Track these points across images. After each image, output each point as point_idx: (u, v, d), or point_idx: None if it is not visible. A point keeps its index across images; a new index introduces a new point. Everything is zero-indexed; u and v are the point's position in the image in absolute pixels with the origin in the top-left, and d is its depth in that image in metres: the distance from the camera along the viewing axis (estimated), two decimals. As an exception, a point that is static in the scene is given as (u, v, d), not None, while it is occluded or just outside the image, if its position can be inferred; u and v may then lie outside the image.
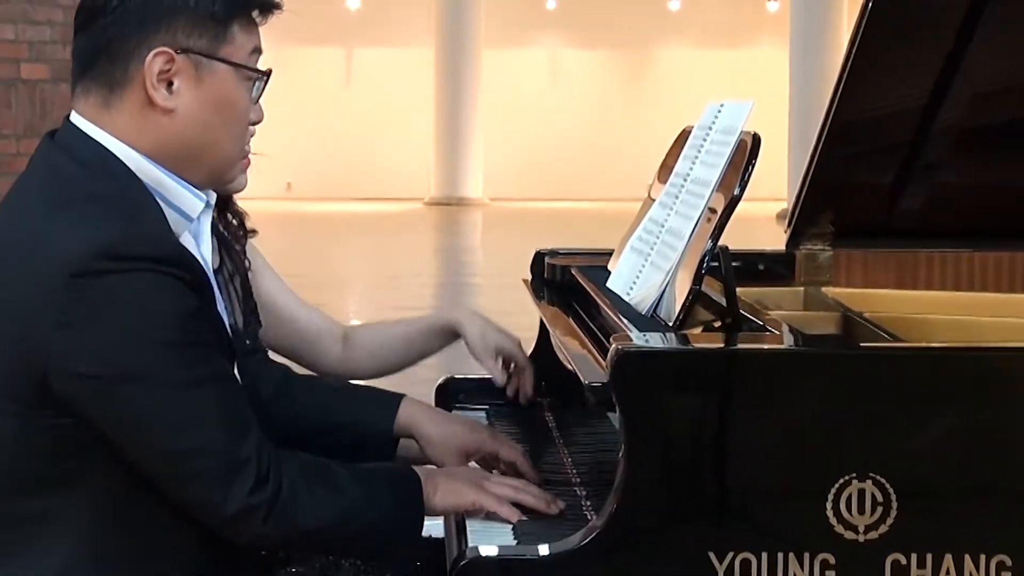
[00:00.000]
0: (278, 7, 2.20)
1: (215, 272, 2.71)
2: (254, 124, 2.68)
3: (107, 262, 1.96)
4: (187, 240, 2.15)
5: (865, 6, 2.79)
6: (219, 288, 2.72)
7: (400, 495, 2.23)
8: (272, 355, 2.89)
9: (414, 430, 2.55)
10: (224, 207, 2.85)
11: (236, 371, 2.20)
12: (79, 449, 2.03)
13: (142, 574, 2.08)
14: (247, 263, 2.89)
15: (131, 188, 2.09)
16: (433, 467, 2.46)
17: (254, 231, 2.94)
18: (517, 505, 2.28)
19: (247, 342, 2.75)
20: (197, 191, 2.15)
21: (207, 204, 2.18)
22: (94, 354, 1.97)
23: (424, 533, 2.42)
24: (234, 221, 2.89)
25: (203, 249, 2.20)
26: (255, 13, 2.16)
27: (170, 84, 2.09)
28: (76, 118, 2.13)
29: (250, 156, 2.71)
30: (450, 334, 3.03)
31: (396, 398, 2.58)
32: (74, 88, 2.15)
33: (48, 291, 1.97)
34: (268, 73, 2.20)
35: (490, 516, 2.26)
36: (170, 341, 2.00)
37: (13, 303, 2.01)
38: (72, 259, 1.96)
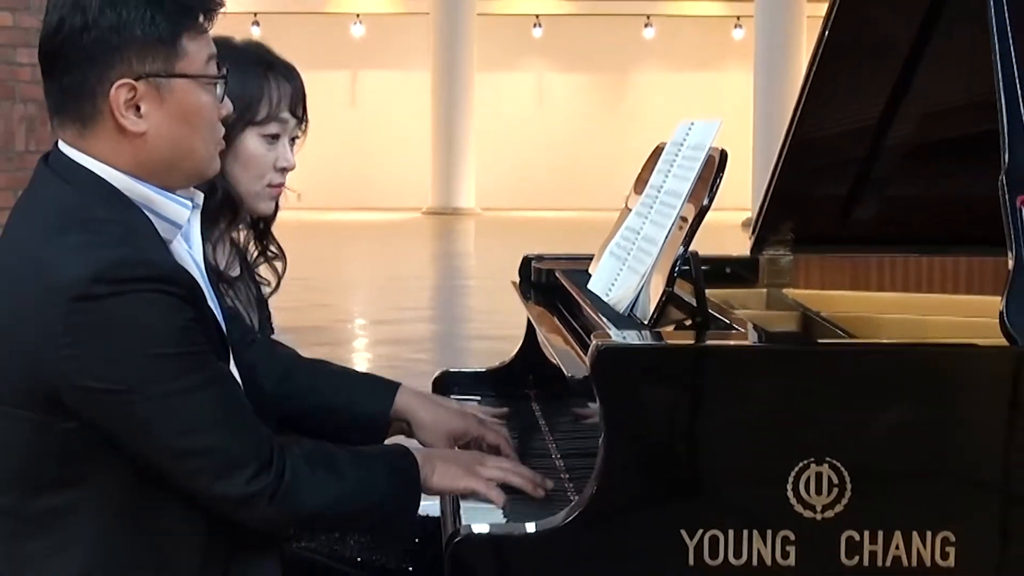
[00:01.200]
0: (220, 5, 2.14)
1: (221, 274, 2.69)
2: (285, 170, 2.70)
3: (104, 286, 1.93)
4: (179, 244, 2.13)
5: (822, 34, 2.80)
6: (231, 288, 2.71)
7: (398, 476, 2.22)
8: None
9: (408, 415, 2.53)
10: (263, 235, 2.83)
11: (234, 364, 2.18)
12: (90, 450, 2.01)
13: (154, 561, 2.07)
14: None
15: (119, 210, 2.05)
16: (432, 449, 2.44)
17: (279, 269, 2.89)
18: (508, 486, 2.28)
19: (253, 336, 2.70)
20: (181, 199, 2.11)
21: (194, 206, 2.15)
22: (98, 370, 1.95)
23: (422, 512, 2.42)
24: (271, 248, 2.85)
25: (194, 250, 2.18)
26: (200, 19, 2.10)
27: (137, 108, 2.05)
28: (63, 146, 2.10)
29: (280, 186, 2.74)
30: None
31: (394, 385, 2.57)
32: (52, 123, 2.12)
33: (52, 314, 1.95)
34: (225, 76, 2.15)
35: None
36: (168, 353, 1.97)
37: (19, 323, 1.99)
38: (72, 284, 1.93)
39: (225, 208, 2.67)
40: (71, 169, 2.07)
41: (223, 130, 2.19)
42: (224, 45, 2.62)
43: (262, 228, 2.81)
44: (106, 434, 1.99)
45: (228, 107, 2.18)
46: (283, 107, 2.68)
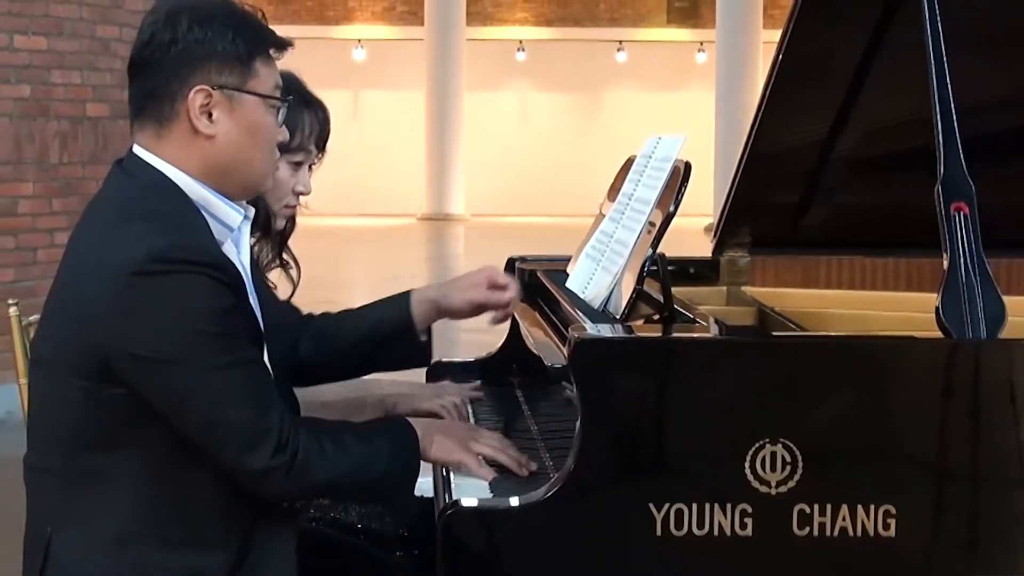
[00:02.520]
0: (290, 44, 2.21)
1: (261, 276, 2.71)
2: (301, 194, 2.72)
3: (159, 264, 1.98)
4: (229, 247, 2.16)
5: (776, 59, 2.80)
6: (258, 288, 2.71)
7: (400, 448, 2.23)
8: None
9: (436, 303, 2.56)
10: (281, 247, 2.83)
11: (266, 356, 2.19)
12: (133, 417, 2.04)
13: (181, 524, 2.08)
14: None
15: (180, 206, 2.10)
16: (431, 421, 2.45)
17: (294, 277, 2.88)
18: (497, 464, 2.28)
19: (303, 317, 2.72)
20: (236, 205, 2.16)
21: (245, 216, 2.19)
22: (146, 339, 1.99)
23: (417, 492, 2.41)
24: (287, 258, 2.85)
25: (242, 256, 2.20)
26: (272, 51, 2.17)
27: (210, 115, 2.10)
28: (137, 148, 2.14)
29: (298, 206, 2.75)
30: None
31: (404, 299, 2.58)
32: (132, 125, 2.16)
33: (112, 288, 1.99)
34: (288, 100, 2.21)
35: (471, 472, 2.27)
36: (208, 331, 2.00)
37: (84, 299, 2.03)
38: (131, 262, 1.98)
39: (259, 224, 2.69)
40: (141, 168, 2.13)
41: (278, 154, 2.25)
42: (293, 80, 2.64)
43: (280, 240, 2.81)
44: (147, 402, 2.02)
45: (284, 134, 2.24)
46: (311, 139, 2.71)
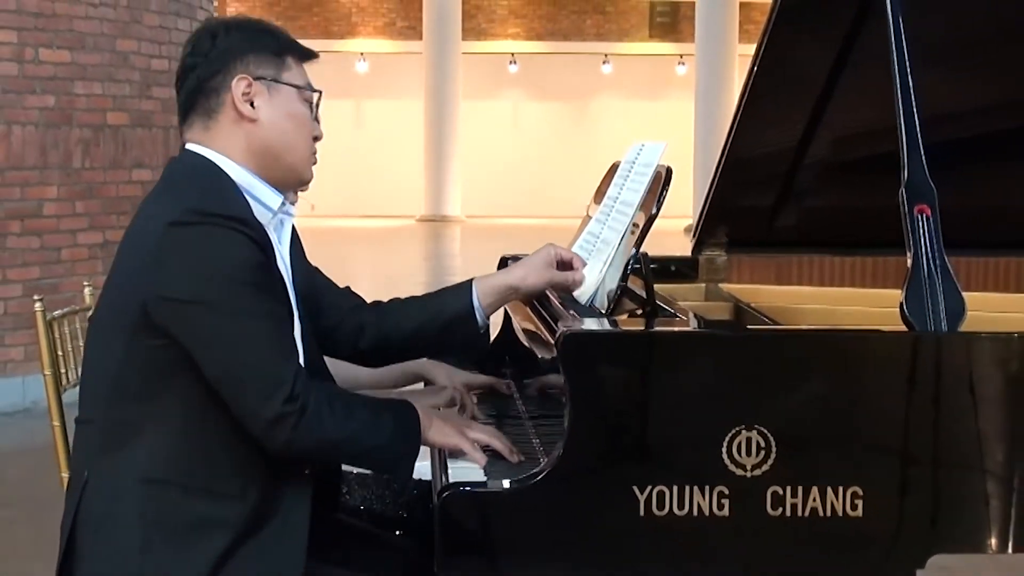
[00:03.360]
0: (315, 55, 2.34)
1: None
2: (316, 140, 2.71)
3: (194, 216, 2.06)
4: (271, 233, 2.22)
5: (751, 71, 2.80)
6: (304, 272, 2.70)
7: (403, 423, 2.24)
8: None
9: (514, 287, 2.46)
10: None
11: (297, 330, 2.23)
12: (168, 367, 2.09)
13: (203, 471, 2.12)
14: None
15: (225, 184, 2.18)
16: (431, 409, 2.45)
17: None
18: (489, 450, 2.28)
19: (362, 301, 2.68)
20: (275, 190, 2.24)
21: (284, 201, 2.26)
22: (177, 282, 2.05)
23: (416, 475, 2.41)
24: None
25: (283, 245, 2.28)
26: (299, 54, 2.28)
27: (252, 103, 2.20)
28: (188, 145, 2.23)
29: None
30: (417, 377, 2.85)
31: (467, 283, 2.49)
32: (182, 127, 2.25)
33: (152, 239, 2.07)
34: (320, 92, 2.31)
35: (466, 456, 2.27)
36: (236, 279, 2.06)
37: (130, 256, 2.13)
38: (170, 215, 2.07)
39: None
40: (192, 158, 2.22)
41: (315, 148, 2.32)
42: None
43: None
44: (181, 355, 2.07)
45: (320, 130, 2.32)
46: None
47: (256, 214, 2.17)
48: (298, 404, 2.06)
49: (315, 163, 2.75)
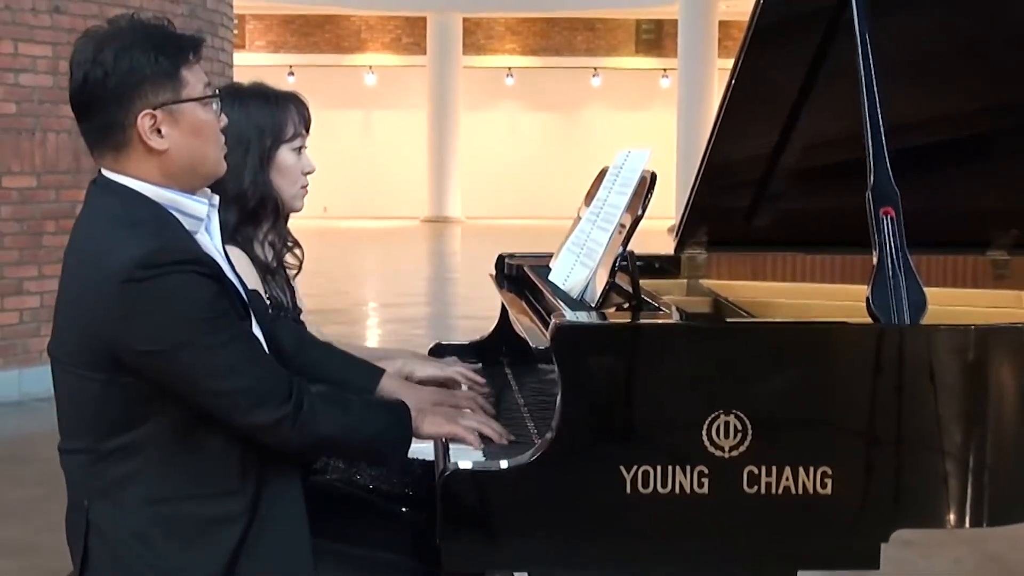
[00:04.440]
0: (203, 40, 2.16)
1: (267, 266, 2.68)
2: (307, 174, 2.70)
3: (145, 271, 1.94)
4: (203, 235, 2.13)
5: (729, 84, 2.80)
6: (273, 276, 2.69)
7: (394, 418, 2.22)
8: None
9: (389, 394, 2.44)
10: (283, 230, 2.79)
11: (259, 330, 2.18)
12: (147, 397, 2.02)
13: (202, 480, 2.08)
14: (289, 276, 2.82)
15: (154, 211, 2.06)
16: (423, 403, 2.38)
17: (299, 256, 2.82)
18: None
19: (273, 314, 2.67)
20: (199, 199, 2.12)
21: (211, 204, 2.15)
22: (148, 336, 1.96)
23: (421, 456, 2.41)
24: (289, 243, 2.81)
25: (214, 240, 2.17)
26: (191, 56, 2.09)
27: (159, 132, 2.05)
28: (104, 171, 2.10)
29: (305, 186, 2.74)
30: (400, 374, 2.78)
31: (379, 371, 2.51)
32: (93, 154, 2.11)
33: (107, 295, 1.96)
34: (218, 94, 2.15)
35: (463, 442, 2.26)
36: (203, 317, 1.98)
37: (85, 305, 2.01)
38: (121, 270, 1.95)
39: (270, 211, 2.68)
40: (113, 187, 2.08)
41: (223, 138, 2.17)
42: (260, 86, 2.68)
43: (283, 226, 2.78)
44: (161, 387, 2.00)
45: (224, 120, 2.17)
46: (301, 125, 2.71)
47: (188, 226, 2.08)
48: (291, 405, 2.04)
49: (305, 195, 2.74)
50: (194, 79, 2.08)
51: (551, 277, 2.69)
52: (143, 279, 1.94)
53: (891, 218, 2.26)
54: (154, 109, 2.03)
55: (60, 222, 6.96)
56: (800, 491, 2.10)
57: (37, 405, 6.71)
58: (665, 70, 24.50)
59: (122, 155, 2.06)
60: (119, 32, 2.05)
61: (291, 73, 22.67)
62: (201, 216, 2.11)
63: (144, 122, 2.03)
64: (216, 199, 2.18)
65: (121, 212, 2.05)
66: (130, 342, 1.97)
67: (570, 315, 2.23)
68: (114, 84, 2.01)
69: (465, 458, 2.15)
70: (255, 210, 2.63)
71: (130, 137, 2.05)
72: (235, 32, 9.54)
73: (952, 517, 2.16)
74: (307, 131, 2.73)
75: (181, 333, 1.97)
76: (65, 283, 2.09)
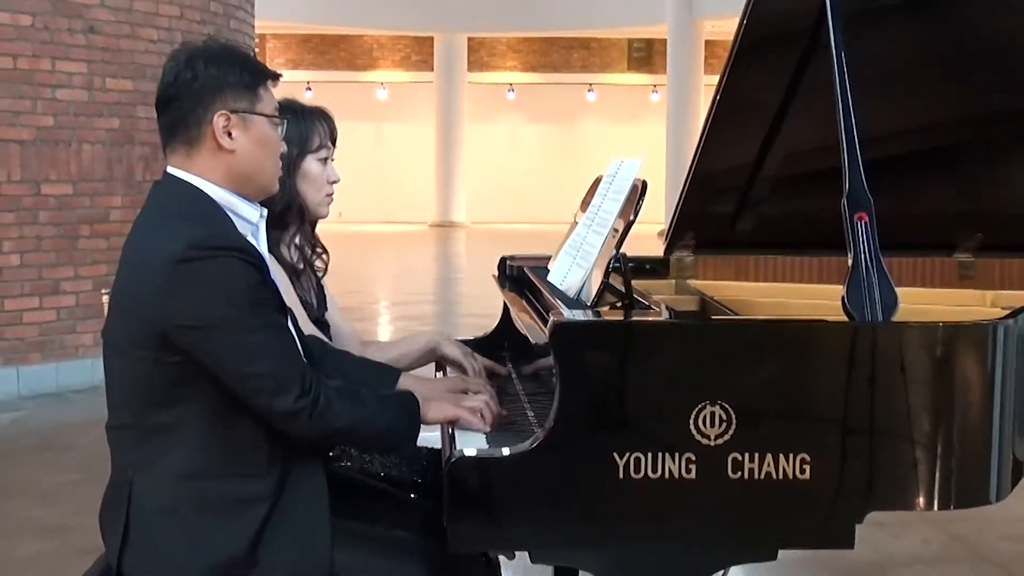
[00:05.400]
0: (279, 76, 2.25)
1: (294, 268, 2.71)
2: (332, 183, 2.74)
3: (197, 251, 2.00)
4: (251, 240, 2.17)
5: (715, 98, 2.80)
6: (299, 278, 2.72)
7: (404, 409, 2.24)
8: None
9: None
10: (312, 237, 2.81)
11: (293, 328, 2.20)
12: (188, 377, 2.05)
13: (233, 459, 2.10)
14: (324, 288, 2.85)
15: (209, 207, 2.12)
16: (430, 393, 2.40)
17: (325, 260, 2.84)
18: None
19: (315, 314, 2.75)
20: (253, 204, 2.19)
21: (261, 215, 2.21)
22: (189, 312, 2.01)
23: (428, 444, 2.40)
24: (318, 249, 2.83)
25: (261, 247, 2.21)
26: (269, 81, 2.20)
27: (230, 134, 2.13)
28: (170, 169, 2.16)
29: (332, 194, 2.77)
30: (432, 353, 2.87)
31: (396, 371, 2.54)
32: (165, 150, 2.17)
33: (161, 275, 2.01)
34: (285, 119, 2.25)
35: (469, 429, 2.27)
36: (240, 301, 2.02)
37: (140, 287, 2.05)
38: (175, 252, 2.00)
39: (295, 216, 2.72)
40: (176, 183, 2.14)
41: (280, 162, 2.24)
42: (291, 101, 2.70)
43: (311, 231, 2.82)
44: (198, 363, 2.03)
45: (284, 147, 2.25)
46: (327, 137, 2.74)
47: (239, 228, 2.14)
48: (310, 397, 2.06)
49: (330, 202, 2.78)
50: (268, 99, 2.19)
51: (549, 278, 2.69)
52: (193, 259, 1.99)
53: (865, 223, 2.26)
54: (230, 112, 2.12)
55: (94, 226, 6.98)
56: (780, 476, 2.09)
57: (73, 397, 6.74)
58: (655, 86, 24.51)
59: (194, 150, 2.13)
60: (211, 48, 2.17)
61: (308, 88, 22.69)
62: (253, 220, 2.18)
63: (219, 121, 2.11)
64: (265, 211, 2.24)
65: (178, 207, 2.11)
66: (173, 316, 2.01)
67: (567, 313, 2.23)
68: (199, 86, 2.11)
69: (470, 445, 2.15)
70: (281, 214, 2.67)
71: (204, 133, 2.12)
72: (256, 50, 9.56)
73: (921, 500, 2.15)
74: (333, 144, 2.76)
75: (219, 312, 2.00)
76: (120, 272, 2.15)
